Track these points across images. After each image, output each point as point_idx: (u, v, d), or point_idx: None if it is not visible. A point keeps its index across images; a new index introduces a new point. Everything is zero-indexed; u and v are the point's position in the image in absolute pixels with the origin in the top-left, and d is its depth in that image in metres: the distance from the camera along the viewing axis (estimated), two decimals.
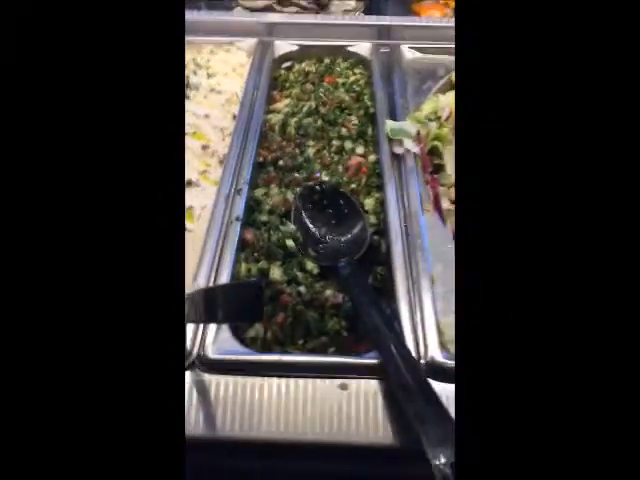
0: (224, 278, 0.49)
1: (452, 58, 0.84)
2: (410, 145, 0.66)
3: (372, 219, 0.58)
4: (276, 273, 0.50)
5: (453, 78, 0.81)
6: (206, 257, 0.51)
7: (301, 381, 0.42)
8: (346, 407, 0.41)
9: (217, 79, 0.77)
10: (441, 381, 0.42)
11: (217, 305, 0.36)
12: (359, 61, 0.85)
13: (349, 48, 0.86)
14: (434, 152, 0.67)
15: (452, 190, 0.64)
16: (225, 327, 0.45)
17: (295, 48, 0.86)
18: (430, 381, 0.40)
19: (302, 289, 0.49)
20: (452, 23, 0.90)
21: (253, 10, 0.92)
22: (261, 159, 0.65)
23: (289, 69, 0.85)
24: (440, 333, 0.45)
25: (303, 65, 0.84)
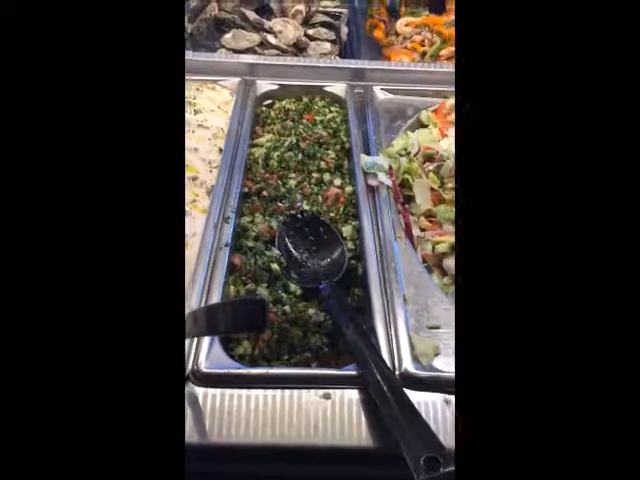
0: (214, 299, 0.53)
1: (420, 99, 0.93)
2: (383, 178, 0.72)
3: (350, 245, 0.63)
4: (262, 294, 0.54)
5: (421, 117, 0.89)
6: (197, 280, 0.55)
7: (287, 392, 0.46)
8: (330, 414, 0.45)
9: (204, 115, 0.82)
10: (414, 390, 0.47)
11: (219, 318, 0.40)
12: (335, 100, 0.92)
13: (326, 88, 0.93)
14: (405, 184, 0.74)
15: (422, 219, 0.71)
16: (217, 344, 0.49)
17: (276, 87, 0.93)
18: (404, 390, 0.45)
19: (287, 308, 0.53)
20: (419, 67, 0.99)
21: (236, 52, 0.98)
22: (246, 189, 0.70)
23: (270, 106, 0.91)
24: (412, 347, 0.50)
25: (283, 103, 0.90)
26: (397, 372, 0.48)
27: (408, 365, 0.49)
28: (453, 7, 1.16)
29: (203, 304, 0.53)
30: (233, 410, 0.45)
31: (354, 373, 0.47)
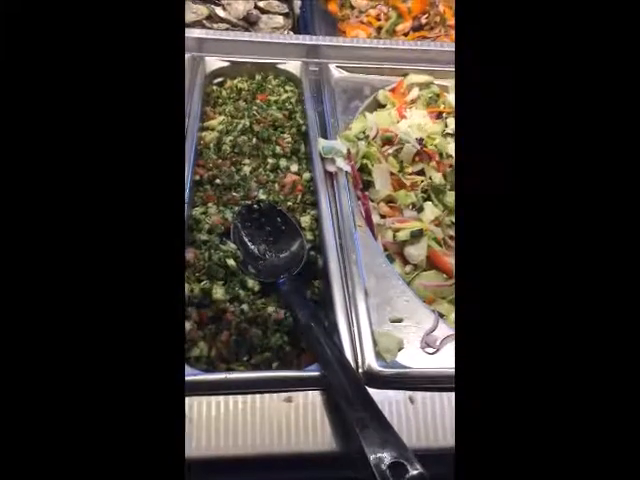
0: None
1: (377, 77, 0.90)
2: (342, 164, 0.69)
3: (309, 236, 0.61)
4: (219, 292, 0.51)
5: (379, 97, 0.86)
6: None
7: (249, 397, 0.44)
8: (294, 419, 0.43)
9: None
10: (378, 388, 0.46)
11: None
12: (289, 78, 0.88)
13: (279, 65, 0.89)
14: (364, 169, 0.71)
15: (381, 205, 0.69)
16: None
17: (226, 64, 0.87)
18: (367, 388, 0.44)
19: (245, 307, 0.51)
20: (375, 44, 0.96)
21: None
22: (198, 177, 0.66)
23: (221, 85, 0.86)
24: (375, 343, 0.49)
25: (235, 81, 0.85)
26: (360, 370, 0.47)
27: (372, 362, 0.47)
28: None
29: None
30: (193, 420, 0.42)
31: (316, 374, 0.45)
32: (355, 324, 0.51)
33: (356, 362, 0.48)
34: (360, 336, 0.50)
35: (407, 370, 0.47)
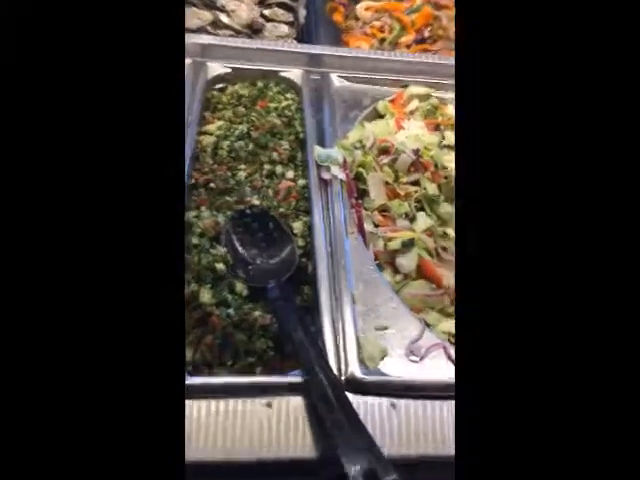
0: None
1: (377, 88, 0.91)
2: (337, 171, 0.70)
3: (300, 242, 0.61)
4: (205, 296, 0.52)
5: (378, 107, 0.87)
6: None
7: (231, 401, 0.44)
8: (275, 424, 0.43)
9: None
10: (360, 394, 0.46)
11: None
12: (291, 86, 0.89)
13: (281, 73, 0.90)
14: (359, 178, 0.72)
15: (375, 214, 0.69)
16: None
17: (228, 70, 0.88)
18: (349, 395, 0.44)
19: (231, 311, 0.51)
20: (377, 55, 0.97)
21: (186, 31, 0.93)
22: (193, 181, 0.67)
23: (222, 91, 0.87)
24: (360, 349, 0.49)
25: (236, 87, 0.86)
26: (343, 377, 0.47)
27: (355, 369, 0.47)
28: None
29: None
30: None
31: (298, 380, 0.45)
32: (340, 330, 0.51)
33: (339, 368, 0.48)
34: (345, 343, 0.50)
35: (389, 378, 0.47)
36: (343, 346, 0.49)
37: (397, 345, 0.50)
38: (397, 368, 0.48)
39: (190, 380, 0.45)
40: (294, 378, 0.46)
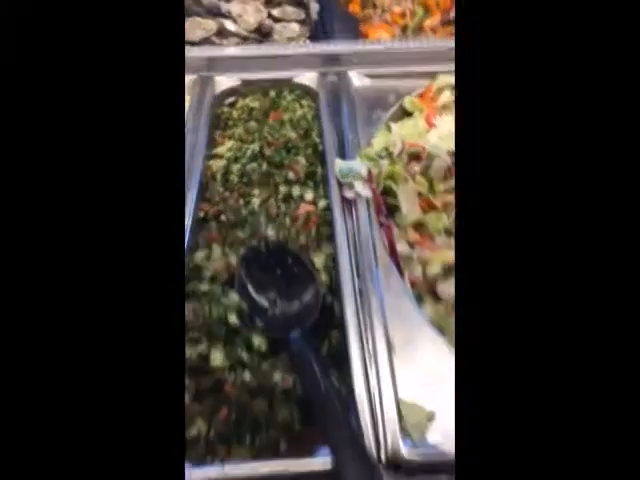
0: None
1: (403, 82, 0.81)
2: (360, 188, 0.61)
3: (324, 277, 0.53)
4: (217, 358, 0.45)
5: (405, 104, 0.77)
6: None
7: None
8: None
9: None
10: (404, 475, 0.38)
11: None
12: (306, 92, 0.81)
13: (295, 79, 0.82)
14: (387, 192, 0.63)
15: (409, 231, 0.60)
16: None
17: (237, 83, 0.81)
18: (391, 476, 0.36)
19: (247, 375, 0.44)
20: (400, 45, 0.87)
21: (190, 44, 0.86)
22: (202, 214, 0.60)
23: (232, 105, 0.80)
24: (401, 416, 0.41)
25: (247, 100, 0.79)
26: (382, 455, 0.39)
27: (395, 444, 0.39)
28: None
29: None
30: None
31: (327, 465, 0.38)
32: (376, 391, 0.43)
33: (377, 443, 0.40)
34: (382, 407, 0.41)
35: (439, 455, 0.39)
36: (380, 412, 0.41)
37: (445, 405, 0.41)
38: (447, 436, 0.40)
39: (195, 470, 0.38)
40: (323, 461, 0.38)
